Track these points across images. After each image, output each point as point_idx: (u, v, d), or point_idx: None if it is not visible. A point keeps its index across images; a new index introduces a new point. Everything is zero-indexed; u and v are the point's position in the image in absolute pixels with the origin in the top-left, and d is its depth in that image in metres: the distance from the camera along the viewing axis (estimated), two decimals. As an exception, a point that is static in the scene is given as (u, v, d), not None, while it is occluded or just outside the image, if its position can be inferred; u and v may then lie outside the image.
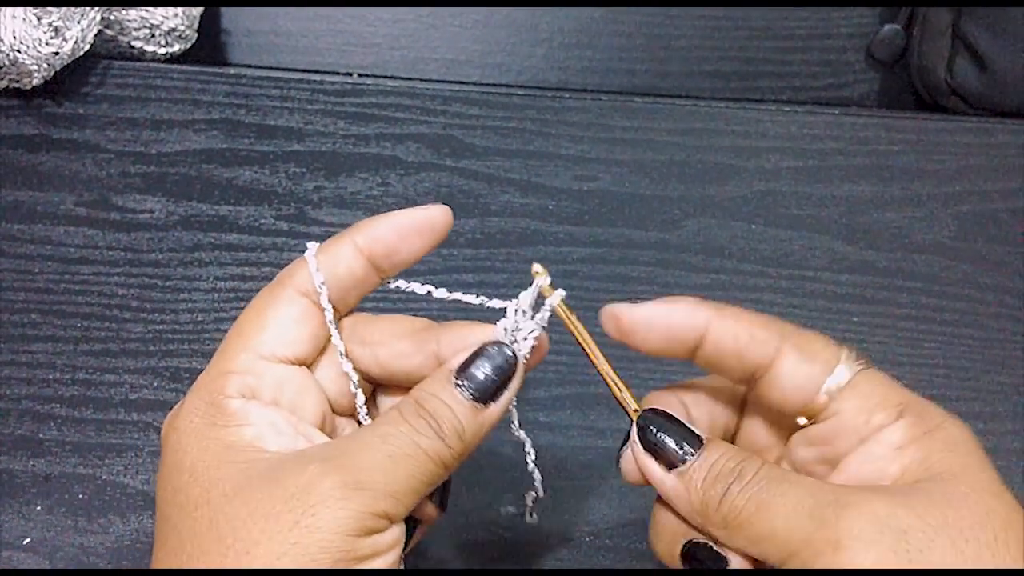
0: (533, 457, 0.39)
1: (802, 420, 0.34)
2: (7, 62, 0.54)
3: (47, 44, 0.54)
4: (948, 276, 0.57)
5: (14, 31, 0.53)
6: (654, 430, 0.34)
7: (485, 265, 0.56)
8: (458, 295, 0.37)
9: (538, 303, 0.36)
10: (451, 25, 0.68)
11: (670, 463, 0.34)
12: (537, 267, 0.35)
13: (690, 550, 0.34)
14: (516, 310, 0.35)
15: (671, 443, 0.34)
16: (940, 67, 0.65)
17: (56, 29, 0.54)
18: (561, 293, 0.35)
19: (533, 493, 0.40)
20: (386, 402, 0.39)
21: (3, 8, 0.53)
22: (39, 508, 0.49)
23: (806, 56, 0.69)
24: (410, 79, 0.62)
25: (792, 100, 0.68)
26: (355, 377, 0.37)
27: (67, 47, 0.55)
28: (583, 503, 0.51)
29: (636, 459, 0.35)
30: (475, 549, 0.50)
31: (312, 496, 0.30)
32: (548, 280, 0.35)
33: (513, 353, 0.35)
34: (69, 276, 0.55)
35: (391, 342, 0.36)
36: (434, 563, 0.49)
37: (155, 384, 0.52)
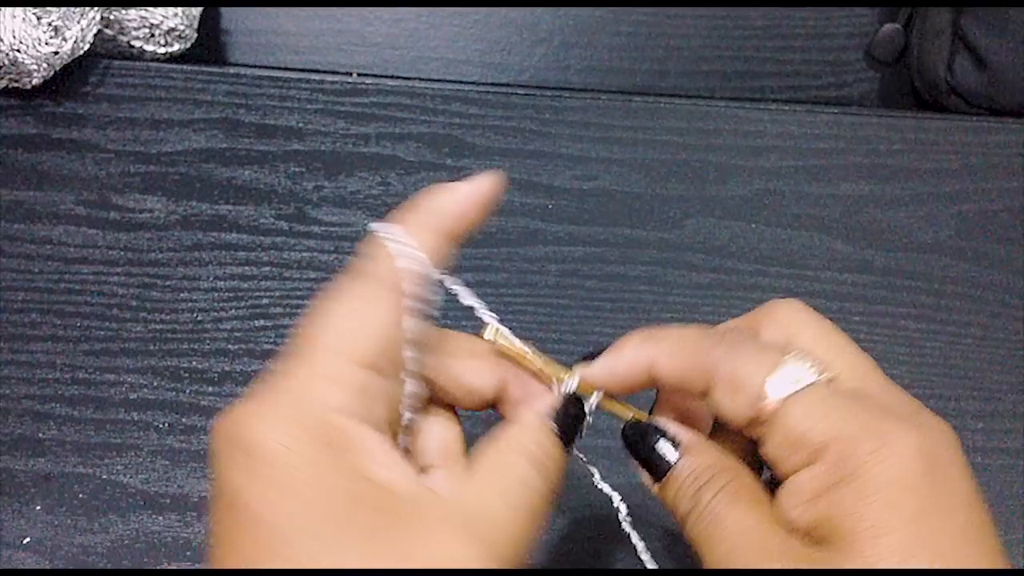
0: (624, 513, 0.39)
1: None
2: (7, 62, 0.54)
3: (47, 44, 0.54)
4: (948, 275, 0.57)
5: (14, 31, 0.53)
6: (636, 441, 0.36)
7: (485, 264, 0.56)
8: (490, 316, 0.36)
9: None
10: (451, 25, 0.68)
11: (653, 475, 0.35)
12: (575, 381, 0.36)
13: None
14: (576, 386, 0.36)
15: (652, 456, 0.35)
16: (940, 66, 0.65)
17: (56, 29, 0.54)
18: (599, 394, 0.36)
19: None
20: (427, 418, 0.36)
21: (3, 8, 0.53)
22: (39, 508, 0.49)
23: (806, 55, 0.69)
24: (410, 79, 0.62)
25: (792, 99, 0.68)
26: (414, 388, 0.34)
27: (67, 47, 0.55)
28: (583, 503, 0.51)
29: (631, 465, 0.36)
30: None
31: (438, 555, 0.28)
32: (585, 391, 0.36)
33: (582, 406, 0.36)
34: (69, 276, 0.55)
35: (465, 357, 0.35)
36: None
37: (155, 383, 0.52)
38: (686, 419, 0.36)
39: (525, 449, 0.33)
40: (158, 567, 0.48)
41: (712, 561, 0.32)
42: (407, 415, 0.33)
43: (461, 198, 0.33)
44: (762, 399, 0.31)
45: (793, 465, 0.31)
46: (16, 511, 0.49)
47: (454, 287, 0.34)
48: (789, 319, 0.34)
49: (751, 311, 0.36)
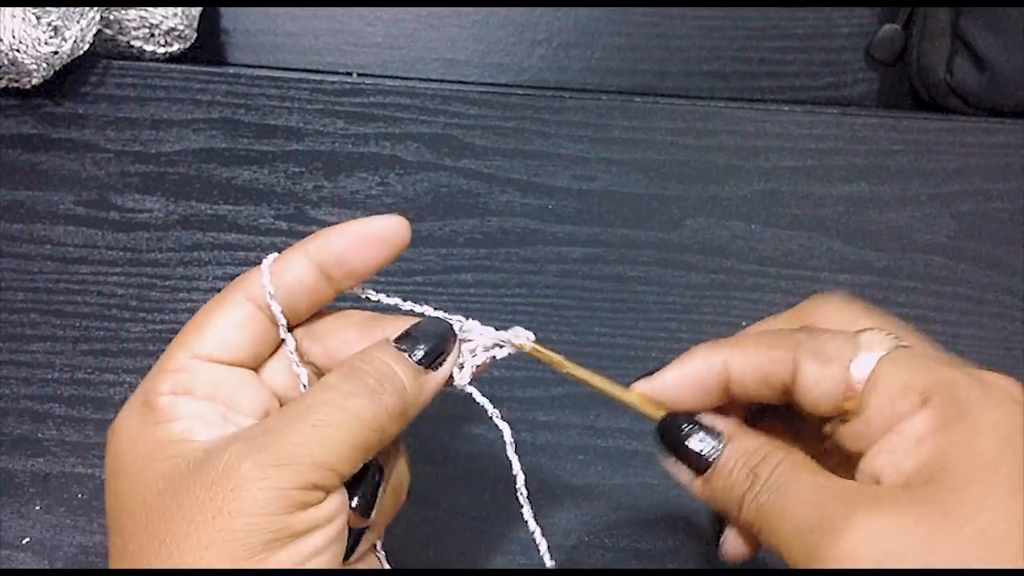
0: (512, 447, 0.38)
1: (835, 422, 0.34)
2: (6, 61, 0.54)
3: (46, 43, 0.54)
4: (947, 276, 0.57)
5: (13, 30, 0.53)
6: (674, 437, 0.35)
7: (484, 265, 0.56)
8: (428, 308, 0.38)
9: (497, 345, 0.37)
10: (450, 25, 0.68)
11: (696, 469, 0.34)
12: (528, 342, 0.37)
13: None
14: (479, 332, 0.37)
15: (693, 448, 0.34)
16: (939, 67, 0.65)
17: (55, 28, 0.54)
18: (529, 336, 0.37)
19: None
20: None
21: (3, 8, 0.53)
22: (38, 508, 0.49)
23: (806, 56, 0.69)
24: (409, 79, 0.62)
25: (791, 100, 0.68)
26: (304, 379, 0.37)
27: (66, 47, 0.55)
28: (582, 502, 0.51)
29: (665, 466, 0.35)
30: (474, 549, 0.49)
31: (231, 480, 0.30)
32: (529, 344, 0.37)
33: (450, 326, 0.36)
34: (68, 276, 0.55)
35: (338, 331, 0.37)
36: (432, 563, 0.49)
37: (154, 384, 0.52)
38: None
39: (340, 365, 0.34)
40: (157, 567, 0.48)
41: (783, 535, 0.30)
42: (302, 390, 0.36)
43: (347, 235, 0.36)
44: (852, 371, 0.32)
45: (901, 411, 0.31)
46: (15, 511, 0.49)
47: (375, 296, 0.38)
48: (841, 312, 0.35)
49: (794, 308, 0.36)
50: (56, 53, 0.55)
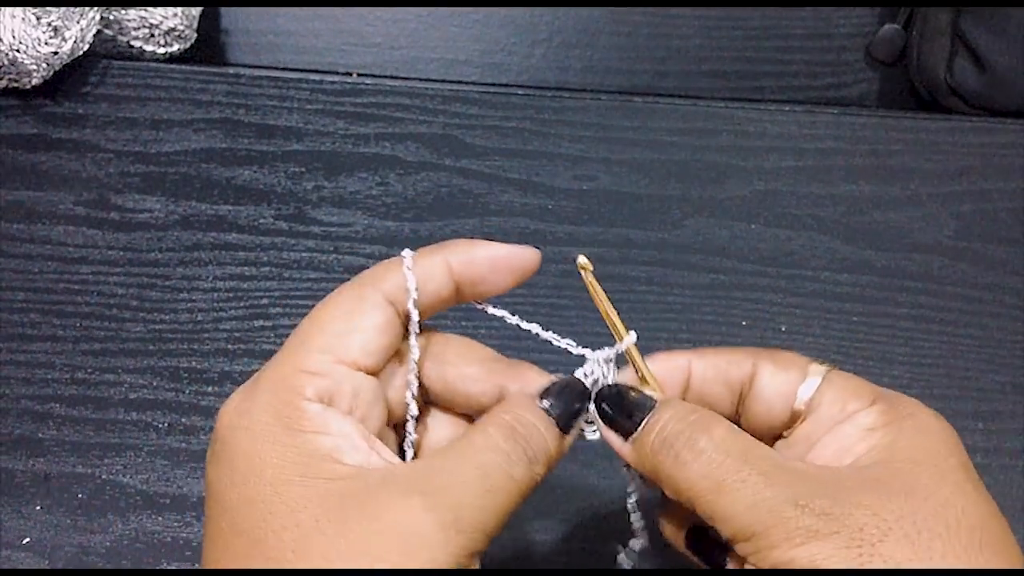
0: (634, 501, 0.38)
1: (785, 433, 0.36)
2: (6, 62, 0.54)
3: (46, 44, 0.54)
4: (948, 275, 0.57)
5: (13, 31, 0.53)
6: (606, 402, 0.35)
7: (485, 265, 0.56)
8: (547, 335, 0.37)
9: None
10: (450, 25, 0.68)
11: (623, 432, 0.34)
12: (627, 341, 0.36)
13: (693, 535, 0.35)
14: (597, 360, 0.36)
15: (623, 411, 0.34)
16: (940, 67, 0.65)
17: (55, 29, 0.54)
18: (633, 336, 0.36)
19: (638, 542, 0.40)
20: (436, 420, 0.38)
21: (3, 8, 0.53)
22: (38, 508, 0.49)
23: (806, 56, 0.69)
24: (410, 79, 0.62)
25: (792, 100, 0.68)
26: (415, 391, 0.36)
27: (66, 47, 0.55)
28: (583, 502, 0.51)
29: (603, 435, 0.35)
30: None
31: (415, 537, 0.29)
32: (634, 338, 0.36)
33: (585, 388, 0.35)
34: (68, 276, 0.55)
35: (462, 364, 0.36)
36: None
37: (154, 384, 0.52)
38: None
39: (502, 422, 0.32)
40: (157, 567, 0.48)
41: (730, 504, 0.30)
42: (412, 411, 0.36)
43: (490, 256, 0.35)
44: (807, 372, 0.35)
45: (852, 409, 0.33)
46: (16, 511, 0.49)
47: (490, 311, 0.37)
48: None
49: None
50: (56, 53, 0.55)
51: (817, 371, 0.35)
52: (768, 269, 0.57)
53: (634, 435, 0.34)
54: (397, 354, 0.36)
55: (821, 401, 0.34)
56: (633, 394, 0.35)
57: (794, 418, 0.35)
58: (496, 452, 0.31)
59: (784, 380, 0.35)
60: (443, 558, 0.29)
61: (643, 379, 0.36)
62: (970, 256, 0.58)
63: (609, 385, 0.36)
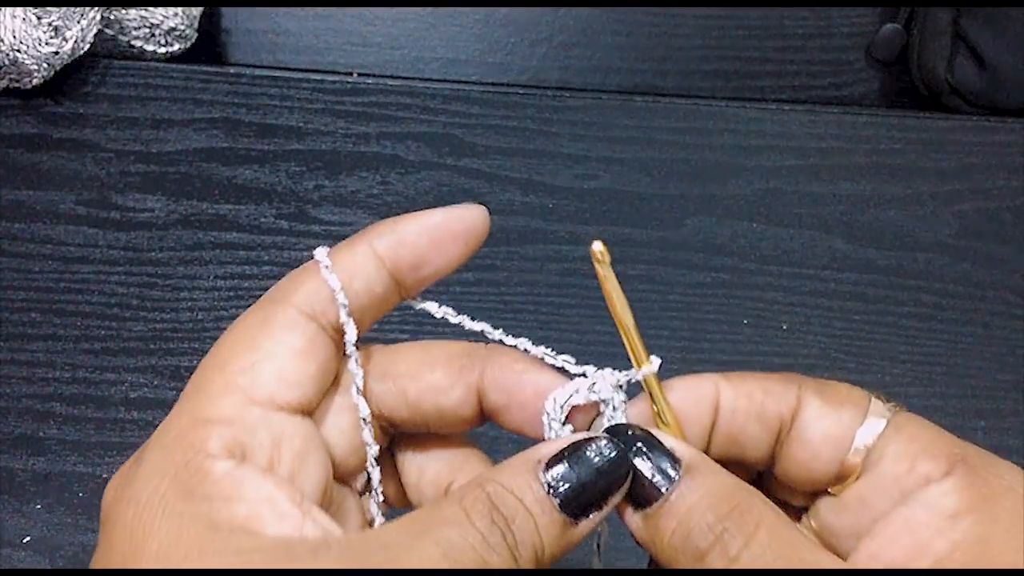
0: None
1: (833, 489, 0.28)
2: (7, 62, 0.54)
3: (47, 44, 0.54)
4: (949, 274, 0.57)
5: (14, 31, 0.53)
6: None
7: (486, 264, 0.56)
8: (522, 341, 0.28)
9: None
10: (451, 25, 0.68)
11: (639, 500, 0.26)
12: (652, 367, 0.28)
13: None
14: (604, 382, 0.28)
15: (640, 471, 0.26)
16: (940, 66, 0.65)
17: (56, 29, 0.54)
18: (656, 363, 0.28)
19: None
20: (407, 460, 0.30)
21: (3, 8, 0.53)
22: (39, 506, 0.49)
23: (807, 55, 0.69)
24: (410, 78, 0.62)
25: (793, 99, 0.68)
26: (370, 435, 0.28)
27: (67, 47, 0.55)
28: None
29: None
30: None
31: None
32: (657, 365, 0.28)
33: (625, 454, 0.26)
34: (69, 275, 0.55)
35: (422, 373, 0.28)
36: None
37: (155, 383, 0.52)
38: None
39: (479, 497, 0.24)
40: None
41: None
42: (371, 454, 0.28)
43: (427, 228, 0.28)
44: (866, 412, 0.27)
45: (924, 473, 0.25)
46: (16, 510, 0.49)
47: (432, 310, 0.29)
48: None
49: None
50: (57, 53, 0.55)
51: (880, 411, 0.27)
52: (769, 268, 0.57)
53: (648, 511, 0.26)
54: (336, 384, 0.28)
55: (883, 454, 0.26)
56: (646, 450, 0.26)
57: (846, 471, 0.27)
58: (467, 531, 0.24)
59: (836, 422, 0.27)
60: None
61: (660, 417, 0.28)
62: (971, 254, 0.58)
63: (614, 429, 0.27)
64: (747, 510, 0.24)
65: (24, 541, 0.49)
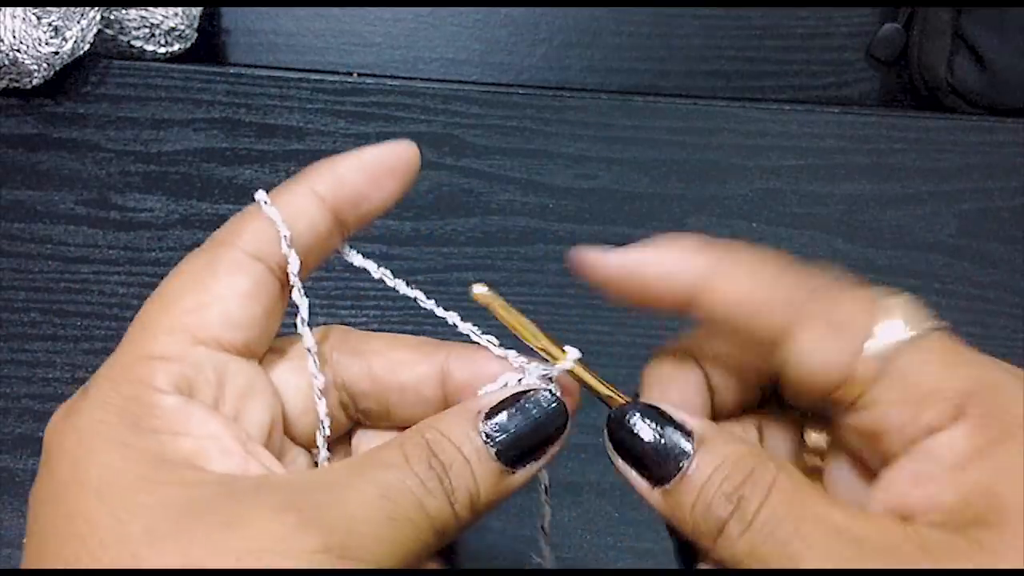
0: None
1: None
2: (7, 62, 0.54)
3: (47, 44, 0.54)
4: (949, 274, 0.57)
5: (14, 31, 0.53)
6: (628, 432, 0.26)
7: (485, 264, 0.56)
8: (467, 327, 0.29)
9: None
10: (451, 25, 0.68)
11: (657, 477, 0.26)
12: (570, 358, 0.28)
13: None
14: (533, 375, 0.28)
15: (653, 448, 0.26)
16: (940, 66, 0.65)
17: (56, 29, 0.54)
18: (574, 354, 0.28)
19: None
20: (367, 441, 0.31)
21: (3, 8, 0.53)
22: (39, 507, 0.49)
23: (806, 55, 0.69)
24: (410, 78, 0.62)
25: (792, 99, 0.68)
26: (319, 382, 0.28)
27: (67, 47, 0.55)
28: (583, 501, 0.51)
29: (616, 467, 0.27)
30: (473, 549, 0.49)
31: (281, 557, 0.22)
32: (575, 355, 0.28)
33: (563, 407, 0.27)
34: (69, 275, 0.55)
35: (389, 352, 0.29)
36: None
37: (155, 383, 0.52)
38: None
39: (419, 442, 0.25)
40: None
41: (731, 558, 0.24)
42: (323, 408, 0.28)
43: (363, 165, 0.28)
44: (867, 349, 0.25)
45: (929, 422, 0.24)
46: (16, 511, 0.49)
47: (358, 262, 0.30)
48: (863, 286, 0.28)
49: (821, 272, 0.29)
50: (57, 53, 0.55)
51: (884, 339, 0.24)
52: (769, 268, 0.57)
53: (667, 487, 0.25)
54: (296, 344, 0.29)
55: (884, 395, 0.25)
56: (659, 427, 0.26)
57: (845, 395, 0.25)
58: (406, 474, 0.24)
59: (833, 348, 0.25)
60: None
61: (604, 403, 0.28)
62: (971, 254, 0.58)
63: (623, 409, 0.27)
64: (760, 475, 0.24)
65: (24, 542, 0.49)
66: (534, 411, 0.26)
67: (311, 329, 0.29)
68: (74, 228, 0.56)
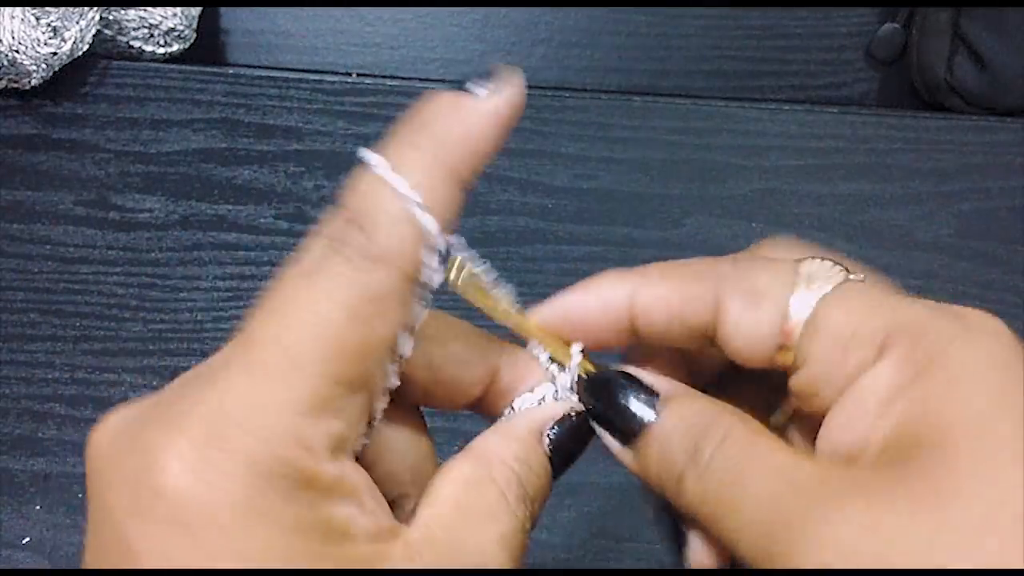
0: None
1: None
2: (6, 62, 0.54)
3: (46, 44, 0.54)
4: (948, 274, 0.57)
5: (13, 31, 0.53)
6: (600, 394, 0.27)
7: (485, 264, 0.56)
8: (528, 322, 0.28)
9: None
10: (451, 25, 0.68)
11: (625, 435, 0.27)
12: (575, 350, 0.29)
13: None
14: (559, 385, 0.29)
15: (624, 408, 0.27)
16: (940, 66, 0.65)
17: (55, 29, 0.54)
18: (578, 348, 0.29)
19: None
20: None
21: (2, 8, 0.53)
22: (38, 507, 0.49)
23: (806, 55, 0.69)
24: (410, 79, 0.62)
25: (792, 99, 0.68)
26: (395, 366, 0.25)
27: (66, 47, 0.55)
28: (584, 501, 0.51)
29: (597, 432, 0.28)
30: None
31: None
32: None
33: (590, 430, 0.28)
34: (68, 275, 0.55)
35: (444, 339, 0.27)
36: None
37: (155, 383, 0.52)
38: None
39: (510, 474, 0.26)
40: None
41: (735, 534, 0.24)
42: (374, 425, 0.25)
43: (478, 122, 0.24)
44: (789, 311, 0.25)
45: (856, 364, 0.24)
46: (15, 510, 0.49)
47: (460, 253, 0.27)
48: (788, 251, 0.28)
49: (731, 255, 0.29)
50: (55, 54, 0.55)
51: (806, 292, 0.25)
52: (769, 268, 0.57)
53: (635, 444, 0.26)
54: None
55: (812, 348, 0.24)
56: (627, 390, 0.27)
57: (784, 359, 0.25)
58: (512, 518, 0.25)
59: (757, 321, 0.25)
60: None
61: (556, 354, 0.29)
62: (970, 255, 0.58)
63: (596, 376, 0.28)
64: (717, 425, 0.25)
65: (24, 542, 0.49)
66: (576, 423, 0.28)
67: None
68: (73, 228, 0.56)
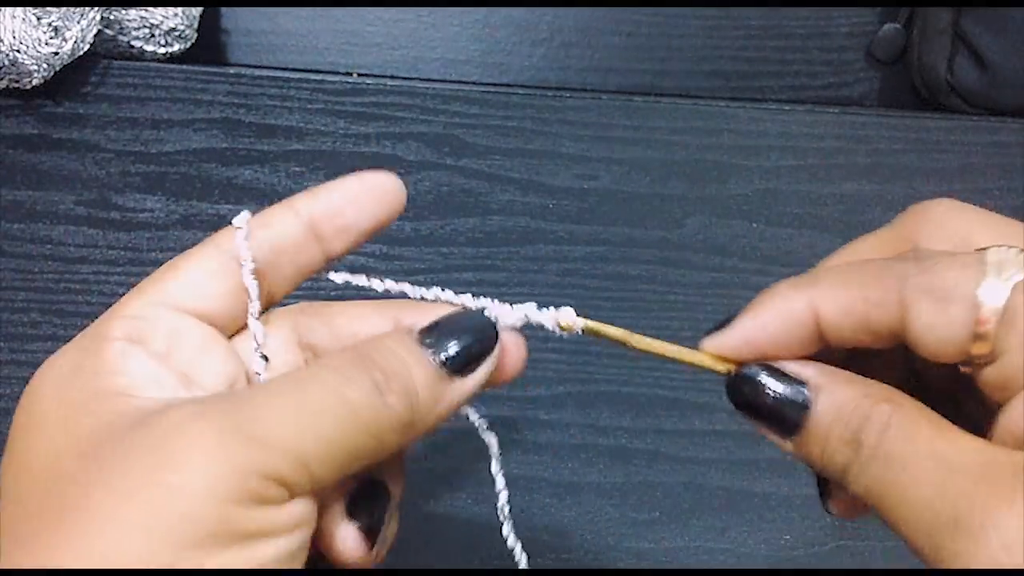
0: (497, 465, 0.32)
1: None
2: (7, 62, 0.54)
3: (47, 44, 0.54)
4: (949, 274, 0.57)
5: (13, 31, 0.53)
6: (745, 396, 0.28)
7: (485, 264, 0.56)
8: (449, 294, 0.31)
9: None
10: (451, 25, 0.68)
11: (782, 431, 0.27)
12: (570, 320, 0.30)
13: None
14: (514, 315, 0.30)
15: (771, 407, 0.27)
16: (940, 66, 0.65)
17: (56, 29, 0.54)
18: (571, 315, 0.30)
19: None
20: None
21: (3, 8, 0.53)
22: (39, 507, 0.49)
23: (806, 55, 0.69)
24: (410, 79, 0.62)
25: (792, 99, 0.68)
26: (259, 360, 0.30)
27: (67, 47, 0.55)
28: (584, 501, 0.51)
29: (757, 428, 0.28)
30: (473, 548, 0.49)
31: (177, 444, 0.23)
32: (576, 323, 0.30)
33: (493, 324, 0.29)
34: (69, 275, 0.55)
35: (348, 309, 0.31)
36: (429, 561, 0.49)
37: (155, 383, 0.52)
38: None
39: (349, 349, 0.27)
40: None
41: (905, 527, 0.24)
42: (259, 363, 0.30)
43: (342, 191, 0.31)
44: (981, 302, 0.24)
45: None
46: (16, 511, 0.49)
47: (340, 280, 0.32)
48: (954, 223, 0.28)
49: (891, 224, 0.29)
50: (56, 53, 0.55)
51: (996, 283, 0.24)
52: (769, 268, 0.57)
53: (795, 438, 0.27)
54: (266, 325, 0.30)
55: (1007, 336, 0.24)
56: (775, 385, 0.27)
57: (981, 351, 0.25)
58: (321, 368, 0.26)
59: (948, 322, 0.25)
60: (217, 469, 0.23)
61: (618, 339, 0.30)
62: (971, 255, 0.58)
63: (740, 375, 0.28)
64: (876, 418, 0.25)
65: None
66: (467, 324, 0.28)
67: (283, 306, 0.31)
68: (74, 228, 0.56)
